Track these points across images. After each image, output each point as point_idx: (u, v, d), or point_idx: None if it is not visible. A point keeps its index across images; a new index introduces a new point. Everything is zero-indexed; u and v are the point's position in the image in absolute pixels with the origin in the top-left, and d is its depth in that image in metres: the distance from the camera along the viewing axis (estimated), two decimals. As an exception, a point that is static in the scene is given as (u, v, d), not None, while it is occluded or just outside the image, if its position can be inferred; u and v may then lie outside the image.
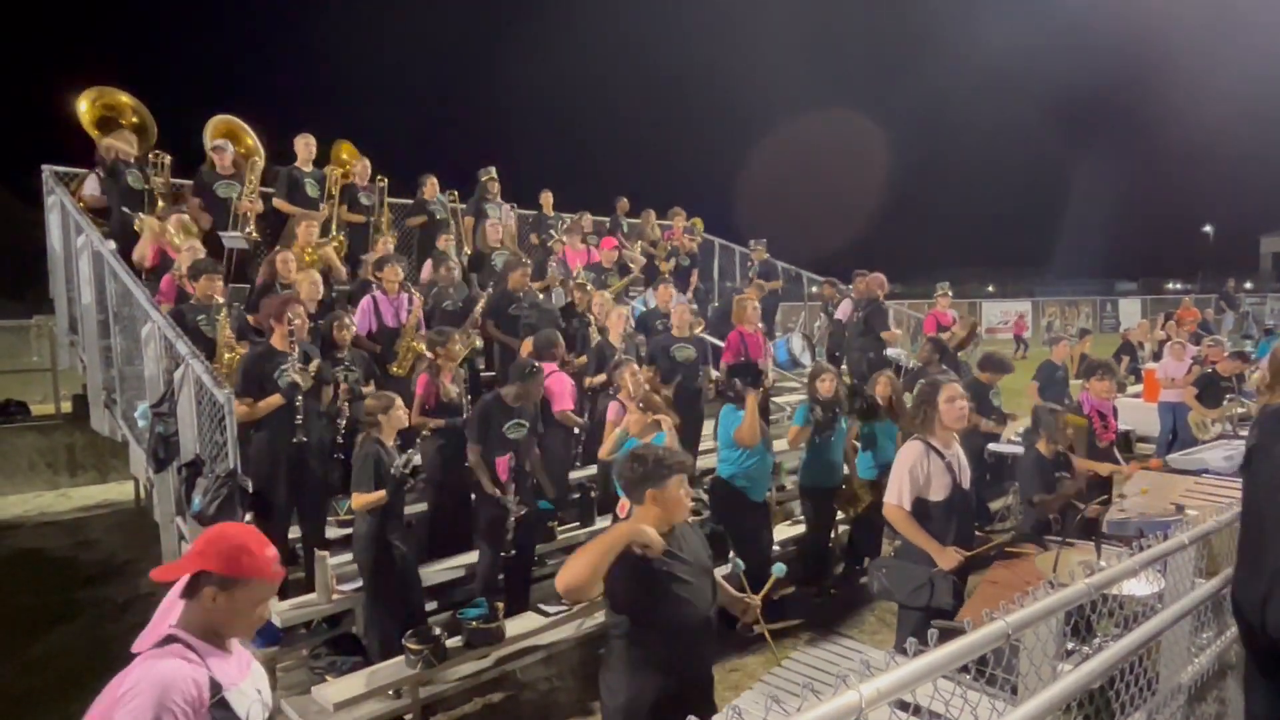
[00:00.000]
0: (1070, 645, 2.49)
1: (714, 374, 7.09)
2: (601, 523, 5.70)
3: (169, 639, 1.75)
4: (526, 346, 6.30)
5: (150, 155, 7.12)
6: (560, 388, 5.79)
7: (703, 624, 2.65)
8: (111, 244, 6.17)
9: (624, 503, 4.52)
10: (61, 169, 7.33)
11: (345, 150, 8.39)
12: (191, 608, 1.78)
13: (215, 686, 1.72)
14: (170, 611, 1.82)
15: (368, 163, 7.98)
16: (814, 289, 11.50)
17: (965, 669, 1.66)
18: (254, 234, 6.96)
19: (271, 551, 1.83)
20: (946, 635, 1.60)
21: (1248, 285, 30.92)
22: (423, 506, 5.37)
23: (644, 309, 8.39)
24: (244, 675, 1.85)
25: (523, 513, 4.98)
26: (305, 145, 7.46)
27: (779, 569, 2.91)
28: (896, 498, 3.69)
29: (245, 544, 1.79)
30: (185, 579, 1.79)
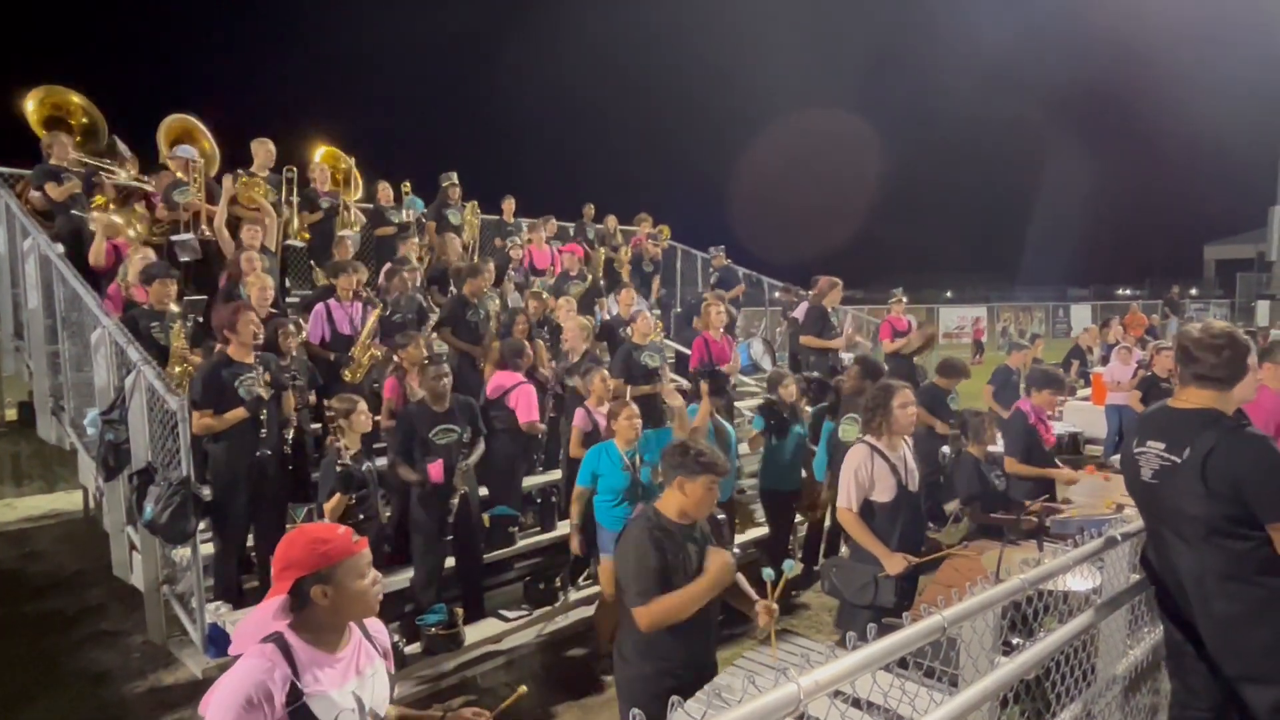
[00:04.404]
0: (1017, 641, 2.59)
1: (670, 378, 7.15)
2: (562, 527, 5.67)
3: (270, 637, 1.77)
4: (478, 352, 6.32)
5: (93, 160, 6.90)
6: (527, 399, 5.74)
7: (706, 613, 2.79)
8: (59, 247, 6.03)
9: (605, 564, 4.49)
10: (6, 170, 7.14)
11: (328, 155, 8.32)
12: (306, 615, 1.80)
13: (295, 692, 1.72)
14: (267, 618, 1.81)
15: (326, 169, 7.92)
16: (775, 294, 11.65)
17: (904, 663, 1.72)
18: (206, 231, 6.80)
19: (341, 528, 1.86)
20: (887, 631, 1.66)
21: (1193, 291, 32.07)
22: (386, 513, 5.30)
23: (607, 317, 8.42)
24: (348, 679, 1.82)
25: (454, 504, 4.81)
26: (263, 149, 7.36)
27: (790, 565, 2.74)
28: (846, 501, 3.78)
29: (317, 536, 1.82)
30: (280, 599, 1.79)
